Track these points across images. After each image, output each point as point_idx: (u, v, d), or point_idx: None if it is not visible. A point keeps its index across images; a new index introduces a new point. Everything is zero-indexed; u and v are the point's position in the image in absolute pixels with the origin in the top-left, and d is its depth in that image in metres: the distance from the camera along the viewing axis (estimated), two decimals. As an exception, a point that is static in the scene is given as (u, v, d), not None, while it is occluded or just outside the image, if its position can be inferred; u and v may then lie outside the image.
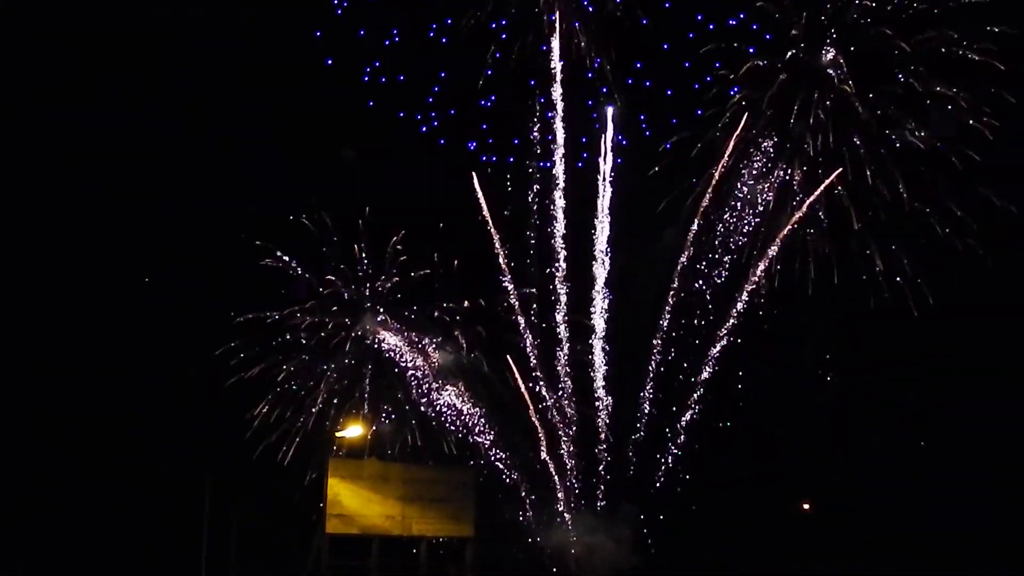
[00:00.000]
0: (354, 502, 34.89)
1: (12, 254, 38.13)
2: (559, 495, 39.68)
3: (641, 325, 39.74)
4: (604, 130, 39.04)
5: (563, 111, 38.83)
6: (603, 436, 39.75)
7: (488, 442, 39.03)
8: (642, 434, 39.90)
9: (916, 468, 39.85)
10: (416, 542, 35.74)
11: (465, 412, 38.81)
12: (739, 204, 38.65)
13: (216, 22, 38.74)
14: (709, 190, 38.53)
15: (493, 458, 39.28)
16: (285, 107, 39.48)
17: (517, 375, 38.54)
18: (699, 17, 37.72)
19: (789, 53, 37.24)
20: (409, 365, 38.87)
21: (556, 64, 38.19)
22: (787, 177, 38.36)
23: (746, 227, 38.76)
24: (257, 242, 38.89)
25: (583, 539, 39.22)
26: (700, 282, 39.31)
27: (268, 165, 40.14)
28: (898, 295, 37.18)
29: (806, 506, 43.75)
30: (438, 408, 39.09)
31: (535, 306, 39.58)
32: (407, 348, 38.97)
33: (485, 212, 38.76)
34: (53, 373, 38.12)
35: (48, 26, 38.45)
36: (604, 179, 39.34)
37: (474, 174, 38.48)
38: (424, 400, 39.02)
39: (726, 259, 39.10)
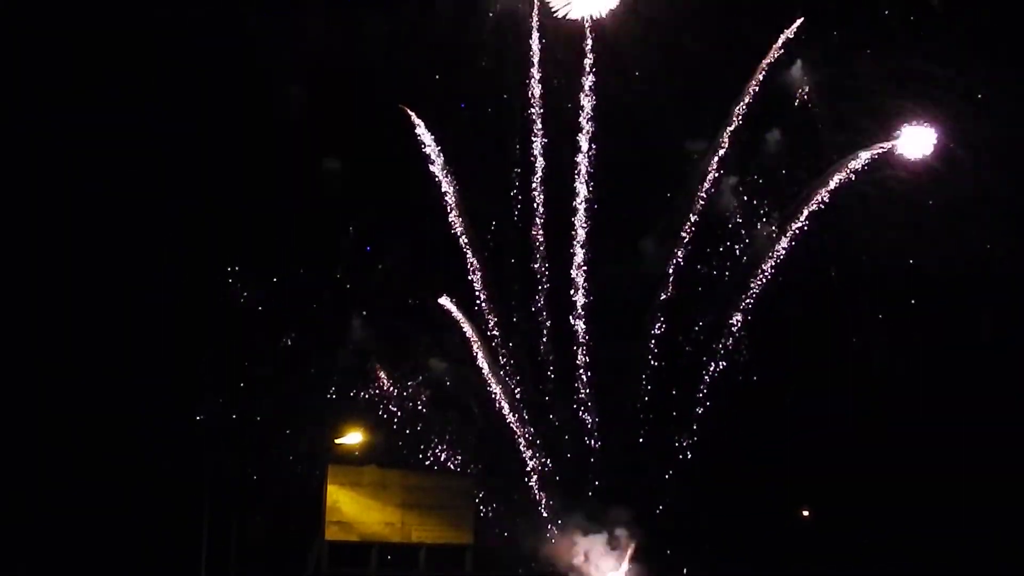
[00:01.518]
0: (353, 509, 35.00)
1: (12, 254, 37.99)
2: (552, 504, 39.90)
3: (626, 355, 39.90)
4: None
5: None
6: (593, 447, 39.92)
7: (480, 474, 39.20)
8: (639, 443, 40.04)
9: (915, 471, 39.80)
10: (415, 549, 35.80)
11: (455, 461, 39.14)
12: (716, 245, 38.69)
13: (216, 22, 38.55)
14: (688, 223, 38.60)
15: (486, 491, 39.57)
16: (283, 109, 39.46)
17: (506, 407, 38.72)
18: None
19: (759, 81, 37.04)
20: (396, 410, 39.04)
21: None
22: (762, 218, 38.29)
23: (726, 268, 38.78)
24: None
25: (579, 545, 39.32)
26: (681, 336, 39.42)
27: (266, 166, 40.03)
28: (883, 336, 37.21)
29: (805, 513, 43.86)
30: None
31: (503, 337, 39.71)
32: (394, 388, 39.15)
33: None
34: (53, 373, 37.99)
35: (48, 26, 38.20)
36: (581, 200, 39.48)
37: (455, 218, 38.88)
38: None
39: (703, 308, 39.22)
